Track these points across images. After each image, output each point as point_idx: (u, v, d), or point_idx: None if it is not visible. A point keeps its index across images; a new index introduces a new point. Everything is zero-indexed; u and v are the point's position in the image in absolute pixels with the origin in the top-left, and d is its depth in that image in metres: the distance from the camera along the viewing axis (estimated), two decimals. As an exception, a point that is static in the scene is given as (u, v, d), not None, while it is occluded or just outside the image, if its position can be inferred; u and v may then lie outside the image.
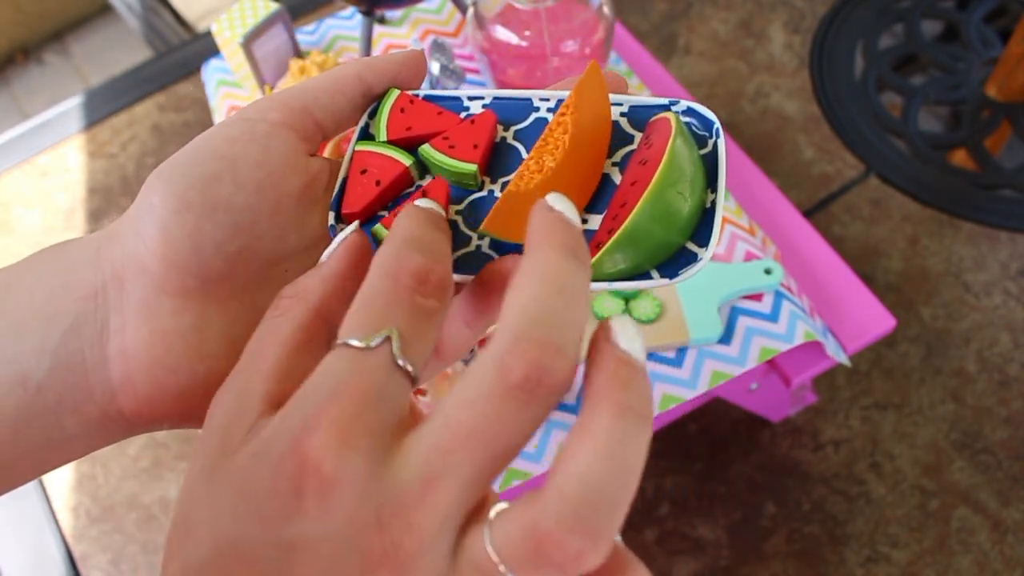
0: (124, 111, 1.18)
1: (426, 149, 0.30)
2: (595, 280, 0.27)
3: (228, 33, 0.81)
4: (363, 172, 0.30)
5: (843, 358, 0.70)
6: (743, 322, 0.66)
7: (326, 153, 0.68)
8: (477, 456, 0.20)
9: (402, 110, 0.31)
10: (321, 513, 0.19)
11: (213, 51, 1.03)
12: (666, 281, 0.26)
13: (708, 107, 0.34)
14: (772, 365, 0.74)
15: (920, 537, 0.79)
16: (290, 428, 0.20)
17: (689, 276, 0.26)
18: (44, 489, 0.90)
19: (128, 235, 0.26)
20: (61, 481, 0.90)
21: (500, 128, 0.31)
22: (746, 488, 0.83)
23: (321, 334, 0.24)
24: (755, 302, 0.67)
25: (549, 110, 0.30)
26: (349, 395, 0.20)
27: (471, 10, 0.75)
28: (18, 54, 2.04)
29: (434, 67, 0.82)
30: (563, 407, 0.63)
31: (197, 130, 1.15)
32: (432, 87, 0.81)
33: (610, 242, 0.26)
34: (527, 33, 0.72)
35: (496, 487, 0.61)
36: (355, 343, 0.21)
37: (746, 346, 0.65)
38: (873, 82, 1.09)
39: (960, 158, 1.04)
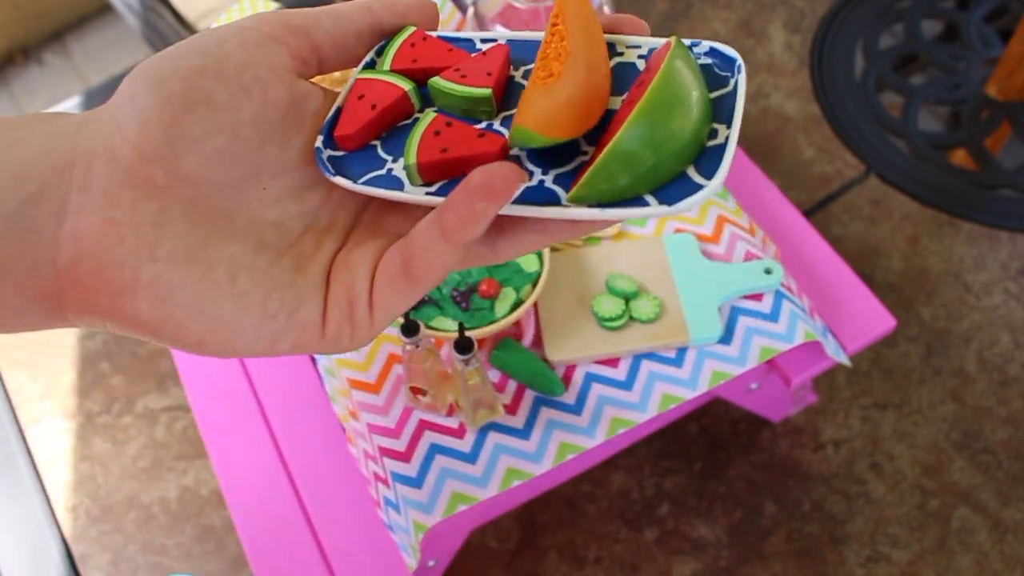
0: (124, 111, 1.17)
1: (436, 80, 0.29)
2: (586, 203, 0.25)
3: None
4: (360, 97, 0.29)
5: (843, 358, 0.70)
6: (743, 322, 0.66)
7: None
8: None
9: (412, 44, 0.30)
10: None
11: (213, 51, 1.02)
12: (664, 209, 0.25)
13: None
14: (772, 365, 0.74)
15: (920, 537, 0.79)
16: None
17: (690, 206, 0.24)
18: (44, 489, 0.90)
19: (105, 120, 0.25)
20: (61, 481, 0.90)
21: (511, 68, 0.29)
22: (746, 488, 0.83)
23: None
24: (755, 302, 0.67)
25: None
26: None
27: (471, 10, 0.75)
28: (18, 54, 2.04)
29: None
30: (563, 407, 0.64)
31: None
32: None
33: (600, 157, 0.25)
34: (527, 33, 0.72)
35: (496, 488, 0.61)
36: None
37: (746, 346, 0.65)
38: (873, 82, 1.09)
39: (960, 158, 1.04)
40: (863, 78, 1.09)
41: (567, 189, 0.26)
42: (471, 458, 0.62)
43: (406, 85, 0.29)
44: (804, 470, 0.83)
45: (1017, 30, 1.01)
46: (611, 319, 0.65)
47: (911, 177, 1.00)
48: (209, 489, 0.88)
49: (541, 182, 0.27)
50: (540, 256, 0.66)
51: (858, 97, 1.08)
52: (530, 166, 0.27)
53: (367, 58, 0.30)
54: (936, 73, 1.10)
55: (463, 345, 0.57)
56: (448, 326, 0.63)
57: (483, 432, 0.63)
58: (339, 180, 0.27)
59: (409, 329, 0.57)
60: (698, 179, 0.25)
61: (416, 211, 0.28)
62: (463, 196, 0.24)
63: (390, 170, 0.28)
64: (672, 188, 0.25)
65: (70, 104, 1.19)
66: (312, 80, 0.29)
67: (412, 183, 0.27)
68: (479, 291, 0.64)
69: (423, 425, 0.64)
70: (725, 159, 0.25)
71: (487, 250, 0.27)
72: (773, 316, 0.66)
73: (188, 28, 1.60)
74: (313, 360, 0.76)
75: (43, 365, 0.97)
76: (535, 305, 0.68)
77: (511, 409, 0.64)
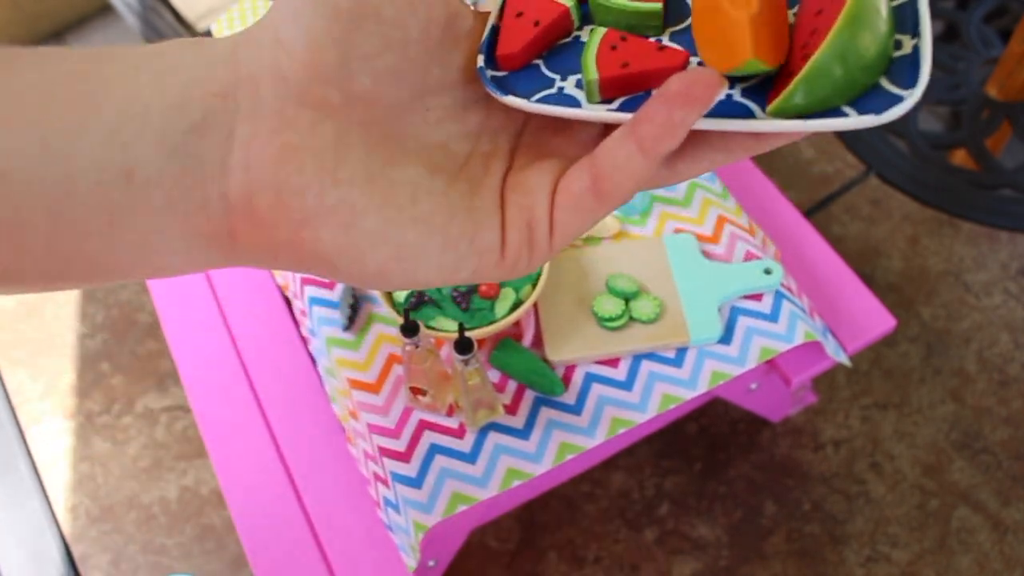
0: (124, 111, 1.17)
1: None
2: (785, 116, 0.24)
3: (228, 33, 0.81)
4: (519, 15, 0.27)
5: (843, 358, 0.70)
6: (743, 322, 0.66)
7: None
8: None
9: None
10: None
11: (213, 51, 1.02)
12: (870, 119, 0.24)
13: None
14: (772, 365, 0.74)
15: (920, 537, 0.79)
16: None
17: (895, 116, 0.24)
18: (44, 489, 0.90)
19: (267, 40, 0.23)
20: (61, 482, 0.90)
21: None
22: (746, 488, 0.83)
23: None
24: (755, 302, 0.67)
25: None
26: None
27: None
28: (18, 54, 2.04)
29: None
30: (563, 407, 0.63)
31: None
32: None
33: (806, 68, 0.24)
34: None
35: (496, 488, 0.61)
36: None
37: (746, 346, 0.65)
38: (873, 82, 1.09)
39: (960, 158, 1.04)
40: (863, 78, 1.09)
41: (758, 103, 0.25)
42: (471, 458, 0.62)
43: (568, 1, 0.28)
44: (804, 470, 0.83)
45: (1017, 30, 1.01)
46: (611, 319, 0.65)
47: (911, 177, 1.00)
48: (209, 489, 0.88)
49: (729, 96, 0.25)
50: (540, 256, 0.66)
51: (858, 97, 1.08)
52: None
53: None
54: (936, 73, 1.10)
55: (463, 345, 0.57)
56: (448, 326, 0.63)
57: (483, 432, 0.63)
58: (511, 100, 0.26)
59: (409, 329, 0.57)
60: (895, 90, 0.24)
61: (581, 132, 0.27)
62: (661, 105, 0.23)
63: (561, 88, 0.27)
64: (870, 99, 0.24)
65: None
66: None
67: (590, 100, 0.26)
68: (479, 291, 0.64)
69: (423, 425, 0.64)
70: (923, 67, 0.24)
71: (667, 171, 0.26)
72: (773, 316, 0.66)
73: (188, 28, 1.60)
74: (313, 361, 0.76)
75: (43, 365, 0.97)
76: (535, 305, 0.68)
77: (511, 409, 0.64)
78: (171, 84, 0.22)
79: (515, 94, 0.27)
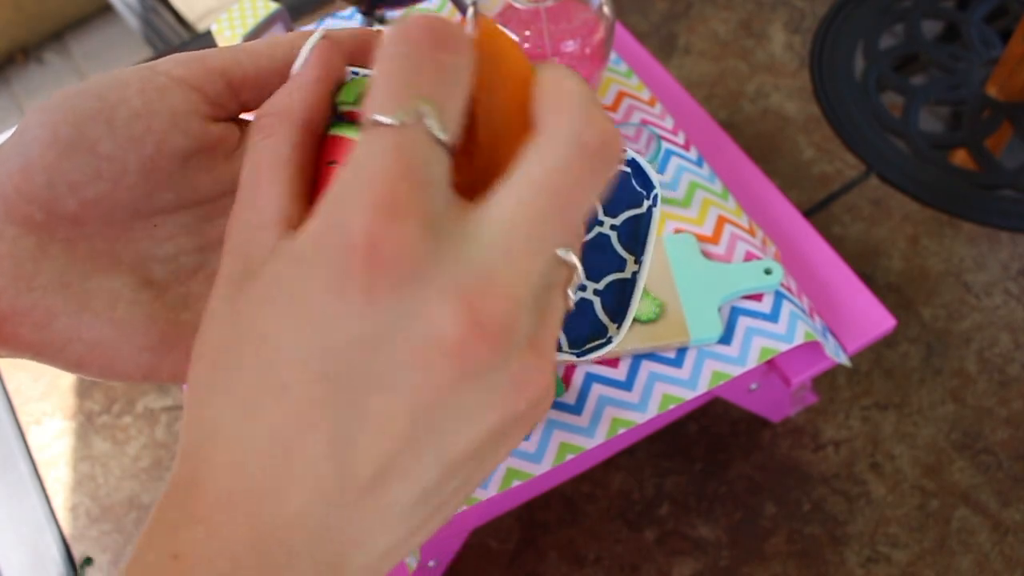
0: (124, 111, 1.18)
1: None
2: None
3: (228, 33, 0.81)
4: (330, 164, 0.25)
5: (843, 358, 0.70)
6: (743, 322, 0.66)
7: None
8: (559, 220, 0.19)
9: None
10: (395, 298, 0.18)
11: (213, 51, 1.02)
12: (572, 358, 0.23)
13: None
14: (772, 365, 0.74)
15: (920, 537, 0.79)
16: (331, 223, 0.19)
17: (597, 356, 0.23)
18: (44, 489, 0.90)
19: None
20: (61, 481, 0.90)
21: None
22: (746, 488, 0.83)
23: (315, 148, 0.24)
24: (755, 302, 0.67)
25: None
26: (391, 173, 0.19)
27: (471, 10, 0.75)
28: (18, 54, 2.04)
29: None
30: (563, 407, 0.63)
31: (197, 130, 1.15)
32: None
33: None
34: (527, 33, 0.72)
35: (496, 488, 0.61)
36: (385, 120, 0.20)
37: (746, 346, 0.65)
38: (873, 82, 1.09)
39: (960, 158, 1.04)
40: (863, 78, 1.09)
41: None
42: (471, 458, 0.62)
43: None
44: (804, 470, 0.83)
45: (1017, 30, 1.01)
46: (611, 319, 0.65)
47: (911, 177, 1.00)
48: (209, 489, 0.88)
49: None
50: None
51: (858, 97, 1.08)
52: None
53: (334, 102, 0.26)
54: (936, 73, 1.10)
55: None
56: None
57: (483, 432, 0.63)
58: None
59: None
60: (603, 317, 0.23)
61: None
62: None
63: None
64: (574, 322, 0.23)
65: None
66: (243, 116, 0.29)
67: None
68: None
69: (423, 425, 0.64)
70: (632, 305, 0.23)
71: None
72: (773, 316, 0.66)
73: (188, 28, 1.60)
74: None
75: (44, 366, 0.97)
76: (535, 305, 0.68)
77: (511, 409, 0.64)
78: None
79: None
